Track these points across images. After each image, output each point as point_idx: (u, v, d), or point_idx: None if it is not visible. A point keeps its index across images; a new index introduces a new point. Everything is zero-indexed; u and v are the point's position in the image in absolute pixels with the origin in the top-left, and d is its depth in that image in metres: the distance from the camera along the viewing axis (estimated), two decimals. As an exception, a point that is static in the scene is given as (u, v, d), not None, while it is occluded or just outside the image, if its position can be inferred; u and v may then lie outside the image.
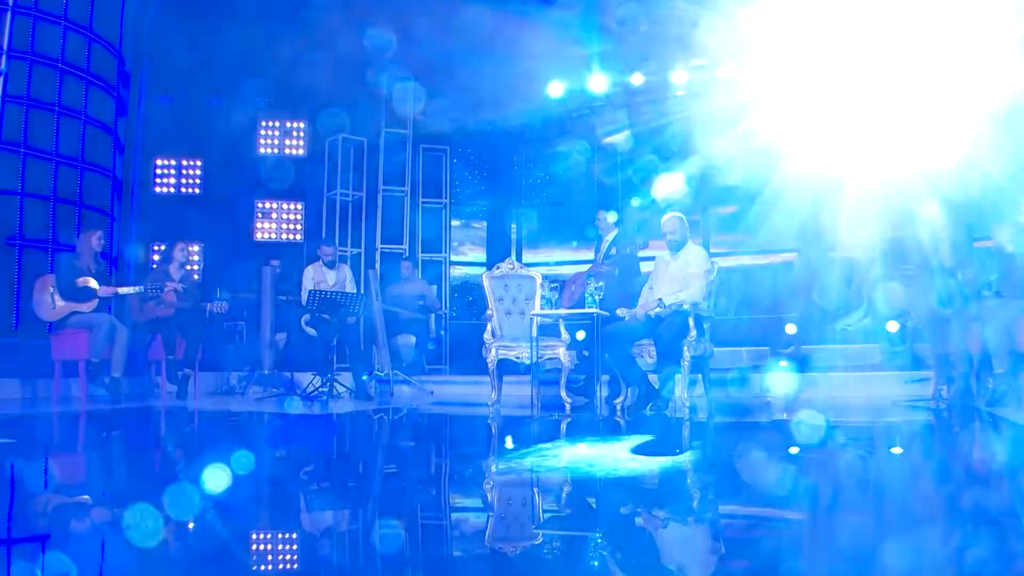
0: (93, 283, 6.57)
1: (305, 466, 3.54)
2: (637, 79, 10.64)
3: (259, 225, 10.39)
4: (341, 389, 7.32)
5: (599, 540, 1.93)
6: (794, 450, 3.90)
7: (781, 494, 2.65)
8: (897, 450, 3.78)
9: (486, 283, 6.64)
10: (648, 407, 5.79)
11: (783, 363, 8.93)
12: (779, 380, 7.90)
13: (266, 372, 8.20)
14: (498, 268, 6.75)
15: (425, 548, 1.82)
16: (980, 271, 6.00)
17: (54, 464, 3.56)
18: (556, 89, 11.13)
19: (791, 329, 9.06)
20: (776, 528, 2.17)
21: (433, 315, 9.19)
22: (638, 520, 2.23)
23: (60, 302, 6.46)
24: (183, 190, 10.22)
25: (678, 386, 5.77)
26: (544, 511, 2.35)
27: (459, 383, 9.11)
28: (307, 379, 7.82)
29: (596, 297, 5.59)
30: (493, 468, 3.27)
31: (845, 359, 9.12)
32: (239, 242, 10.18)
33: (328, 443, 4.38)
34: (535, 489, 2.74)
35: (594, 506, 2.46)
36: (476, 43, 10.38)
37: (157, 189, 10.15)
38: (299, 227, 10.49)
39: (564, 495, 2.58)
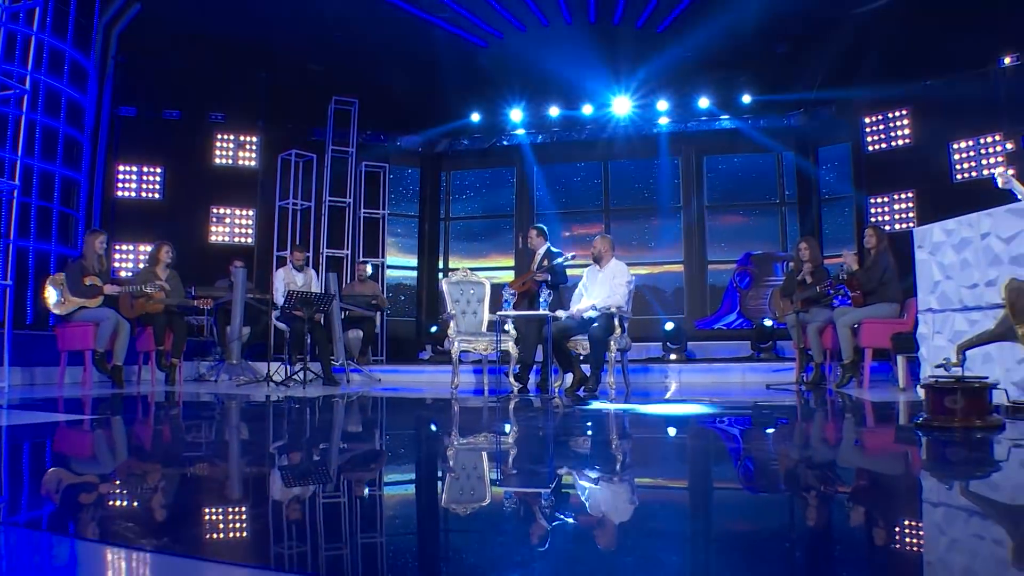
0: (98, 281, 7.05)
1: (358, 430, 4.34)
2: (554, 111, 11.76)
3: (213, 229, 10.84)
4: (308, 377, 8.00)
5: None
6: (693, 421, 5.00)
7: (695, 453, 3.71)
8: (772, 424, 4.91)
9: (445, 287, 7.51)
10: (581, 389, 6.82)
11: (673, 356, 10.26)
12: (673, 369, 9.19)
13: (234, 362, 8.75)
14: (454, 275, 7.64)
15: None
16: (832, 282, 7.32)
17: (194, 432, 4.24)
18: (477, 117, 12.11)
19: (669, 326, 10.40)
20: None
21: (379, 312, 9.94)
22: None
23: (70, 298, 6.91)
24: (143, 195, 10.55)
25: (605, 373, 6.84)
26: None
27: (399, 372, 9.91)
28: (265, 368, 8.50)
29: (548, 300, 6.57)
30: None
31: (723, 352, 10.53)
32: (195, 244, 10.59)
33: (356, 418, 5.13)
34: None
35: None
36: (413, 72, 11.20)
37: (119, 193, 10.44)
38: (250, 232, 11.00)
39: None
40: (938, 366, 3.72)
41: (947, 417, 3.50)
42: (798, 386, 7.25)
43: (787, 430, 4.30)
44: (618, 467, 2.94)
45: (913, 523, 1.93)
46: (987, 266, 4.37)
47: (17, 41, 8.38)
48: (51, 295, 6.91)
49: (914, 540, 1.75)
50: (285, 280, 8.44)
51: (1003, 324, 3.68)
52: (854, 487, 2.52)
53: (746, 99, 11.07)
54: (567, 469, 2.86)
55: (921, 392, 3.77)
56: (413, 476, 2.88)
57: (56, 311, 6.96)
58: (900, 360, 6.57)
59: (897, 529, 1.85)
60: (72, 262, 7.24)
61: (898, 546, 1.70)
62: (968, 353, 3.99)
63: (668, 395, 6.98)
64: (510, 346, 7.00)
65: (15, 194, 6.31)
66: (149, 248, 10.08)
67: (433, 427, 4.61)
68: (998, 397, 3.69)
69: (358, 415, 5.18)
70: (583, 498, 2.30)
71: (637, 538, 1.79)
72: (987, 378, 3.62)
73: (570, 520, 1.97)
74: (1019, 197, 4.62)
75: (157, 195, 10.61)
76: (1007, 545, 1.65)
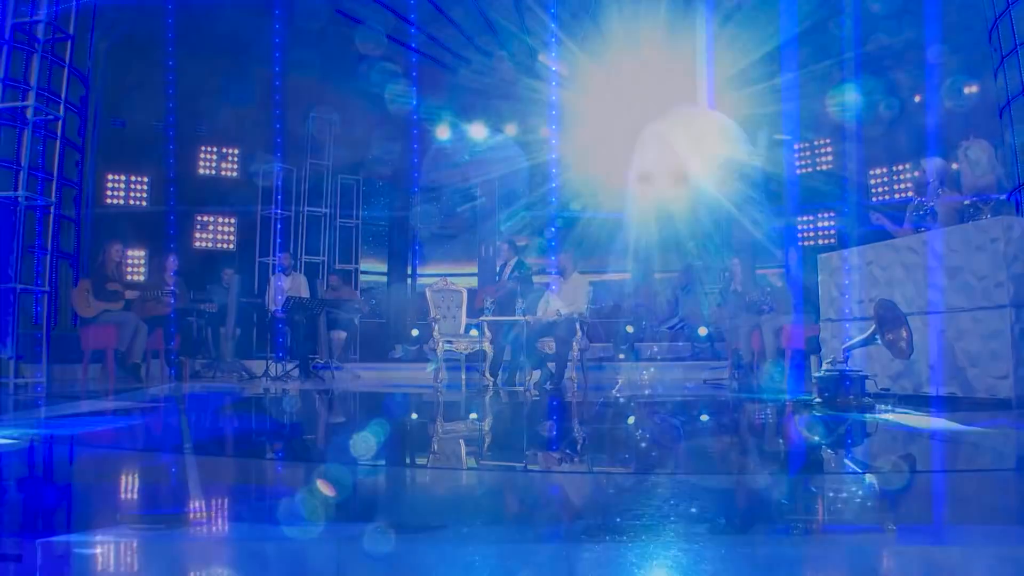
0: (119, 287, 8.06)
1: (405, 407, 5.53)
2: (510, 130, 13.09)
3: (197, 235, 11.81)
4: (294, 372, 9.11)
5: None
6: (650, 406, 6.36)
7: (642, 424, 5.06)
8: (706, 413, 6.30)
9: (429, 295, 8.74)
10: (547, 383, 8.12)
11: (621, 356, 11.66)
12: (623, 366, 10.61)
13: (228, 360, 9.80)
14: (436, 284, 8.88)
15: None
16: (760, 293, 8.80)
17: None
18: (443, 131, 13.33)
19: (629, 328, 11.81)
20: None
21: (359, 315, 11.10)
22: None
23: (95, 302, 7.90)
24: (131, 202, 11.47)
25: (568, 369, 8.16)
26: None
27: (376, 369, 11.08)
28: (254, 366, 9.60)
29: (523, 307, 7.87)
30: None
31: (665, 352, 11.98)
32: (179, 250, 11.50)
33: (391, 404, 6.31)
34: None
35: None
36: (382, 91, 12.35)
37: (108, 200, 11.33)
38: (232, 238, 12.00)
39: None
40: (828, 362, 5.14)
41: (832, 399, 4.92)
42: (729, 381, 8.71)
43: (720, 412, 5.67)
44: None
45: (799, 464, 3.29)
46: (869, 287, 5.82)
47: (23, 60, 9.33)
48: (79, 300, 7.89)
49: (799, 473, 3.11)
50: (276, 285, 9.51)
51: (872, 332, 5.12)
52: (762, 443, 3.88)
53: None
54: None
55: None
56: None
57: (84, 314, 7.93)
58: (813, 359, 8.05)
59: (788, 469, 3.21)
60: (96, 269, 8.22)
61: (788, 476, 3.05)
62: (854, 352, 5.45)
63: (617, 389, 8.34)
64: (485, 345, 8.27)
65: (51, 209, 7.29)
66: (136, 253, 11.15)
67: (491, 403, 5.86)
68: (869, 386, 5.13)
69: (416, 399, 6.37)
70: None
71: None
72: (862, 371, 5.05)
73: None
74: (889, 231, 6.10)
75: (144, 202, 11.52)
76: (861, 478, 3.01)
